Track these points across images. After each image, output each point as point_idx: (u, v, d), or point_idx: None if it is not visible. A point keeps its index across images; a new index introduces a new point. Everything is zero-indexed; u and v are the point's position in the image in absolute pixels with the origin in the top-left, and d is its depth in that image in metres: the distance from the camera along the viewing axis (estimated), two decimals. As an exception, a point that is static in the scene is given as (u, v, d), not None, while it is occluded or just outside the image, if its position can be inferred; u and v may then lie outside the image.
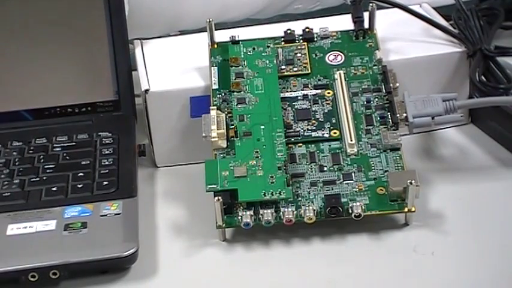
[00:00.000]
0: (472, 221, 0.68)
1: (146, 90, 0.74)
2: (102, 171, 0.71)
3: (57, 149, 0.75)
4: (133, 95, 0.79)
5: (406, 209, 0.66)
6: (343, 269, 0.64)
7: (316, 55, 0.76)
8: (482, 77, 0.75)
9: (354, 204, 0.65)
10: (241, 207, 0.66)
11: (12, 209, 0.68)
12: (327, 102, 0.72)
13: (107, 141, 0.75)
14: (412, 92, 0.71)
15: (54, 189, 0.70)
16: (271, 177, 0.66)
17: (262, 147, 0.68)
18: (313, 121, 0.71)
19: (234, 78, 0.74)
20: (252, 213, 0.65)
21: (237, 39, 0.76)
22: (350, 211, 0.65)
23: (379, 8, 0.77)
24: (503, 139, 0.75)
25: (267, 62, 0.75)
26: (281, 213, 0.66)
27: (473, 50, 0.76)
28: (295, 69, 0.75)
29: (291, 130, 0.71)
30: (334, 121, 0.71)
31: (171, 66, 0.77)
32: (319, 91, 0.73)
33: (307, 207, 0.65)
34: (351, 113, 0.71)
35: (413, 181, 0.65)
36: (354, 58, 0.75)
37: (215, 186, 0.66)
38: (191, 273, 0.65)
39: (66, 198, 0.69)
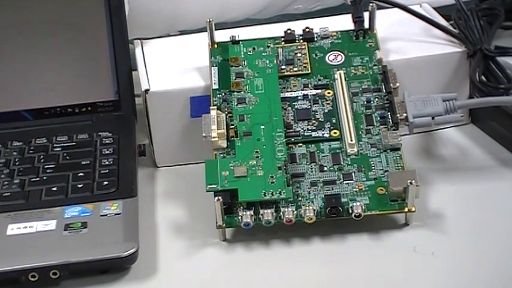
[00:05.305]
0: (472, 221, 0.68)
1: (146, 90, 0.74)
2: (102, 171, 0.71)
3: (57, 149, 0.75)
4: (133, 95, 0.79)
5: (406, 209, 0.66)
6: (343, 269, 0.64)
7: (316, 55, 0.76)
8: (482, 77, 0.75)
9: (354, 204, 0.65)
10: (242, 207, 0.66)
11: (12, 209, 0.68)
12: (327, 102, 0.72)
13: (107, 141, 0.75)
14: (412, 92, 0.71)
15: (54, 189, 0.70)
16: (272, 177, 0.66)
17: (262, 147, 0.68)
18: (313, 121, 0.71)
19: (234, 78, 0.74)
20: (252, 213, 0.65)
21: (237, 39, 0.76)
22: (350, 211, 0.65)
23: (379, 8, 0.77)
24: (503, 139, 0.75)
25: (267, 62, 0.75)
26: (281, 213, 0.66)
27: (474, 50, 0.76)
28: (295, 69, 0.75)
29: (291, 130, 0.71)
30: (334, 121, 0.71)
31: (171, 66, 0.77)
32: (319, 91, 0.73)
33: (307, 207, 0.65)
34: (351, 113, 0.71)
35: (413, 181, 0.65)
36: (354, 58, 0.75)
37: (215, 186, 0.66)
38: (191, 273, 0.65)
39: (66, 198, 0.69)
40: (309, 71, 0.75)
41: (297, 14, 0.93)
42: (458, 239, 0.66)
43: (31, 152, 0.74)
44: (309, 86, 0.74)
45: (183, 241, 0.67)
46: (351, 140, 0.69)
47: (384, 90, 0.72)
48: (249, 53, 0.76)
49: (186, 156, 0.76)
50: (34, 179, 0.71)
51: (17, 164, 0.73)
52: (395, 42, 0.78)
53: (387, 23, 0.80)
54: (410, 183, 0.65)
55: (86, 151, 0.74)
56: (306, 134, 0.71)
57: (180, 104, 0.75)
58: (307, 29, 0.77)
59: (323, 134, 0.70)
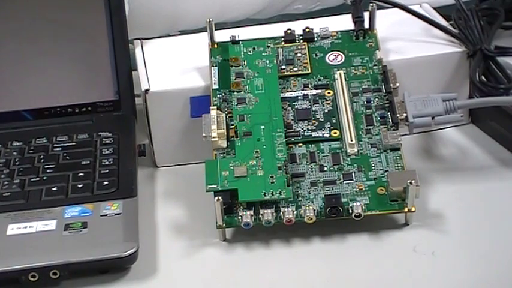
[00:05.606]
0: (472, 221, 0.68)
1: (146, 90, 0.74)
2: (102, 171, 0.71)
3: (57, 149, 0.75)
4: (133, 95, 0.79)
5: (406, 209, 0.66)
6: (343, 269, 0.64)
7: (316, 55, 0.76)
8: (482, 77, 0.75)
9: (354, 204, 0.65)
10: (242, 207, 0.66)
11: (12, 209, 0.68)
12: (327, 102, 0.72)
13: (107, 141, 0.75)
14: (412, 92, 0.71)
15: (54, 189, 0.70)
16: (272, 177, 0.66)
17: (262, 147, 0.68)
18: (314, 121, 0.71)
19: (234, 78, 0.74)
20: (252, 213, 0.65)
21: (237, 39, 0.77)
22: (350, 211, 0.65)
23: (379, 8, 0.77)
24: (503, 139, 0.75)
25: (267, 62, 0.75)
26: (281, 213, 0.66)
27: (474, 50, 0.76)
28: (295, 69, 0.75)
29: (291, 130, 0.71)
30: (334, 121, 0.71)
31: (171, 66, 0.77)
32: (319, 91, 0.73)
33: (307, 207, 0.65)
34: (351, 113, 0.71)
35: (413, 181, 0.65)
36: (354, 58, 0.75)
37: (215, 186, 0.66)
38: (191, 273, 0.65)
39: (66, 198, 0.69)
40: (309, 71, 0.75)
41: (297, 14, 0.93)
42: (458, 239, 0.66)
43: (31, 152, 0.74)
44: (309, 86, 0.74)
45: (183, 241, 0.67)
46: (351, 140, 0.69)
47: (384, 90, 0.72)
48: (249, 53, 0.76)
49: (186, 156, 0.76)
50: (34, 179, 0.71)
51: (17, 164, 0.73)
52: (395, 42, 0.78)
53: (387, 23, 0.80)
54: (411, 183, 0.65)
55: (86, 151, 0.74)
56: (306, 134, 0.71)
57: (180, 104, 0.75)
58: (307, 29, 0.77)
59: (323, 134, 0.70)
